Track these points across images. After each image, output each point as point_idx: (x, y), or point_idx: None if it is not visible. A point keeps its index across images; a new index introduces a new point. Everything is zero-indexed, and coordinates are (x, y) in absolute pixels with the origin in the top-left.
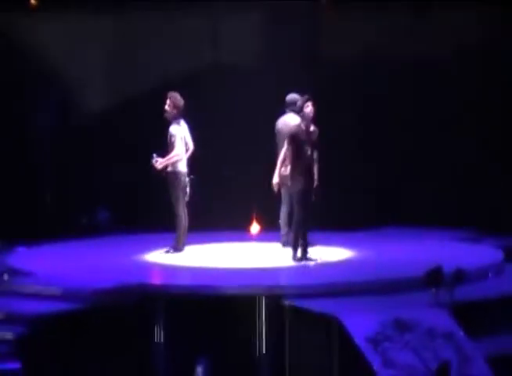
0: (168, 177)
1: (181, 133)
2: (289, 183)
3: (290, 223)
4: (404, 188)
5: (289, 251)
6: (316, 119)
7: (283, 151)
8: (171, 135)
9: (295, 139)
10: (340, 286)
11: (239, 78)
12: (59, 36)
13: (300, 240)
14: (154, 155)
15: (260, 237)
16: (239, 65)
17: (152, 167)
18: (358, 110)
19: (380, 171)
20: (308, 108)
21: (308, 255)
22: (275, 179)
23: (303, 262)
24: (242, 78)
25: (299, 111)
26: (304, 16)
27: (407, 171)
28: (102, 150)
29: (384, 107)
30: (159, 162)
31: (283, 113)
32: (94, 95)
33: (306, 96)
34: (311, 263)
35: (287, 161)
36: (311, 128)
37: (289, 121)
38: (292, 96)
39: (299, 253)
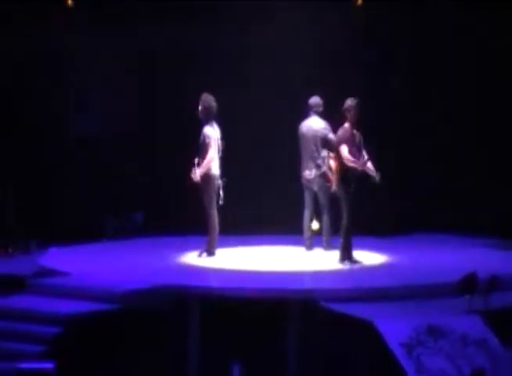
0: (201, 180)
1: (214, 135)
2: (337, 188)
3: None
4: (437, 194)
5: (317, 253)
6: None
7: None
8: (206, 137)
9: (343, 142)
10: (375, 291)
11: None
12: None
13: (347, 244)
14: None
15: (288, 241)
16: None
17: (190, 178)
18: (383, 112)
19: (413, 176)
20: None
21: (354, 258)
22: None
23: (350, 265)
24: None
25: (347, 114)
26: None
27: (440, 177)
28: (137, 151)
29: (415, 110)
30: (197, 173)
31: (306, 116)
32: (127, 96)
33: (355, 99)
34: (358, 265)
35: (313, 164)
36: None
37: (313, 124)
38: (316, 99)
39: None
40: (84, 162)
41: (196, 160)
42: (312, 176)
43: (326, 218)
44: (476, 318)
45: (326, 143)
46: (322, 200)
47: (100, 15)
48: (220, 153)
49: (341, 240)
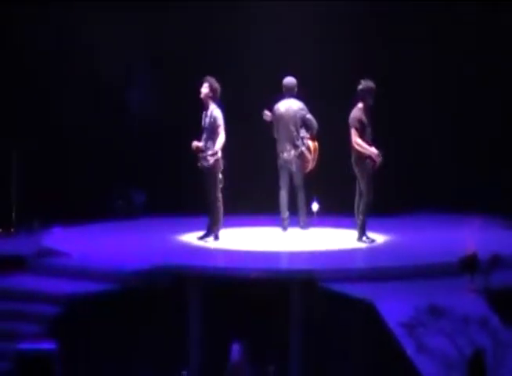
0: (212, 162)
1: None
2: (357, 166)
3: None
4: (442, 173)
5: (306, 233)
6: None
7: (353, 136)
8: (216, 119)
9: (360, 122)
10: (375, 271)
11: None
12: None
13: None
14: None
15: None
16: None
17: (203, 162)
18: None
19: (416, 155)
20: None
21: (370, 237)
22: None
23: (369, 242)
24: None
25: (364, 95)
26: None
27: (446, 156)
28: (139, 131)
29: (426, 90)
30: (213, 157)
31: (281, 97)
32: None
33: (369, 81)
34: (372, 244)
35: (291, 145)
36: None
37: (291, 104)
38: (291, 79)
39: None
40: (89, 140)
41: (204, 143)
42: (291, 157)
43: (301, 198)
44: (477, 297)
45: (304, 124)
46: (298, 180)
47: None
48: None
49: (361, 217)
